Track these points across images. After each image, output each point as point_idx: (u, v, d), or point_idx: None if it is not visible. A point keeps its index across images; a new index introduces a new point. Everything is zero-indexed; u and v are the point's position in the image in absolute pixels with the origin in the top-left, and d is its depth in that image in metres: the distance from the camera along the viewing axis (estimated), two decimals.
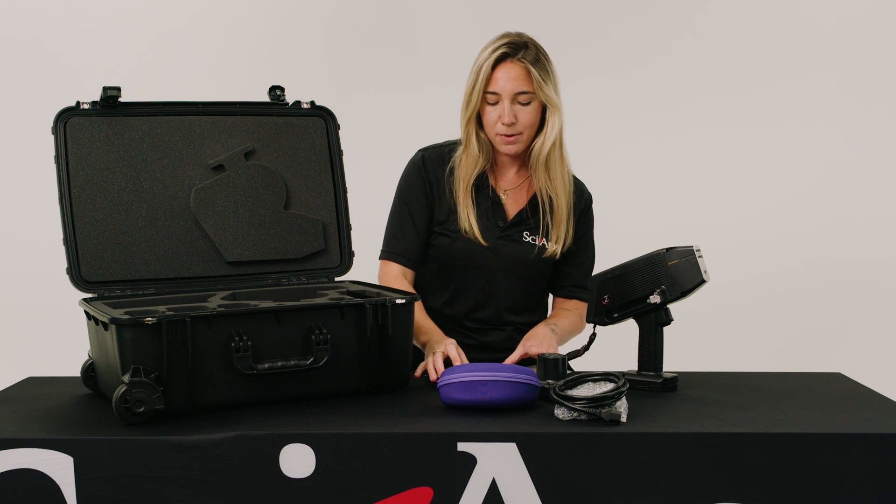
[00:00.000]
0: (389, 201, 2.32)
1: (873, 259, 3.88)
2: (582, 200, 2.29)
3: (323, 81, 3.73)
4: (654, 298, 1.92)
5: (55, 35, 3.75)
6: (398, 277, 2.24)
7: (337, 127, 2.18)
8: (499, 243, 2.22)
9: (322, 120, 2.17)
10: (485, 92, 2.14)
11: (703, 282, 1.89)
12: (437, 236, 2.25)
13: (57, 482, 1.59)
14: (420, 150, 2.30)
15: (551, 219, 2.21)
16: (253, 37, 3.87)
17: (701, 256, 1.90)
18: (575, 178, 2.28)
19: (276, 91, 2.16)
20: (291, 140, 2.14)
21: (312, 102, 2.18)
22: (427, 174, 2.25)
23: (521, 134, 2.15)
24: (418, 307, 2.19)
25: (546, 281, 2.31)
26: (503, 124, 2.13)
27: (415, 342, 2.13)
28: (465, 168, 2.21)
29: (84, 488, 1.59)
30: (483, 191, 2.24)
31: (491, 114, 2.15)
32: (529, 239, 2.23)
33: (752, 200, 3.89)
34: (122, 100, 2.00)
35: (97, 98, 1.99)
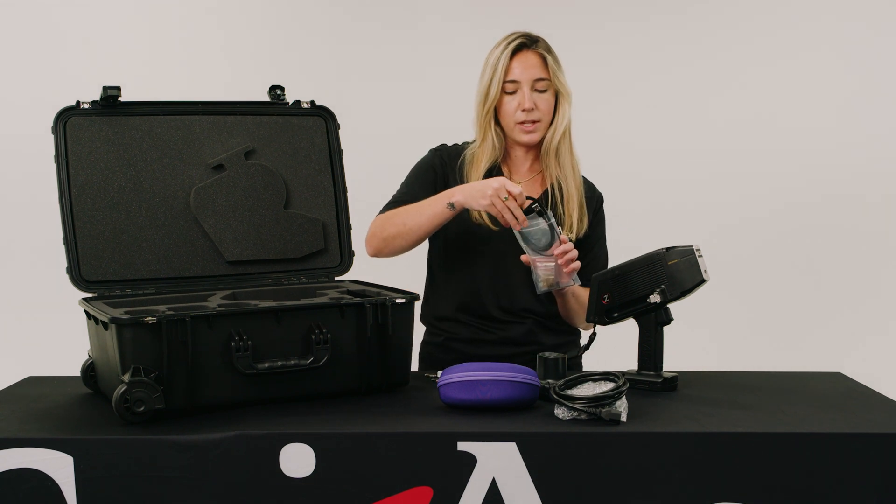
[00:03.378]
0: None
1: (874, 259, 3.88)
2: (594, 198, 2.32)
3: (323, 80, 3.73)
4: (654, 298, 1.92)
5: (55, 34, 3.75)
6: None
7: (337, 126, 2.18)
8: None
9: (322, 119, 2.17)
10: (504, 81, 2.18)
11: (703, 281, 1.89)
12: (458, 224, 2.24)
13: (57, 482, 1.59)
14: (442, 144, 2.35)
15: (563, 207, 2.25)
16: (253, 36, 3.87)
17: (701, 256, 1.90)
18: (585, 178, 2.32)
19: (276, 90, 2.16)
20: (291, 140, 2.14)
21: (312, 102, 2.18)
22: (441, 161, 2.30)
23: (539, 121, 2.21)
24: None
25: None
26: (523, 111, 2.19)
27: (420, 214, 2.13)
28: (479, 161, 2.25)
29: (84, 488, 1.59)
30: None
31: (510, 103, 2.20)
32: (538, 208, 2.23)
33: (752, 199, 3.89)
34: (122, 99, 2.00)
35: (97, 98, 1.99)
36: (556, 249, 2.05)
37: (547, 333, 2.27)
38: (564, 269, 2.06)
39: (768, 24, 3.85)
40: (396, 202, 2.27)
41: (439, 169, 2.29)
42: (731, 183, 3.88)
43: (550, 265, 2.07)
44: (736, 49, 3.87)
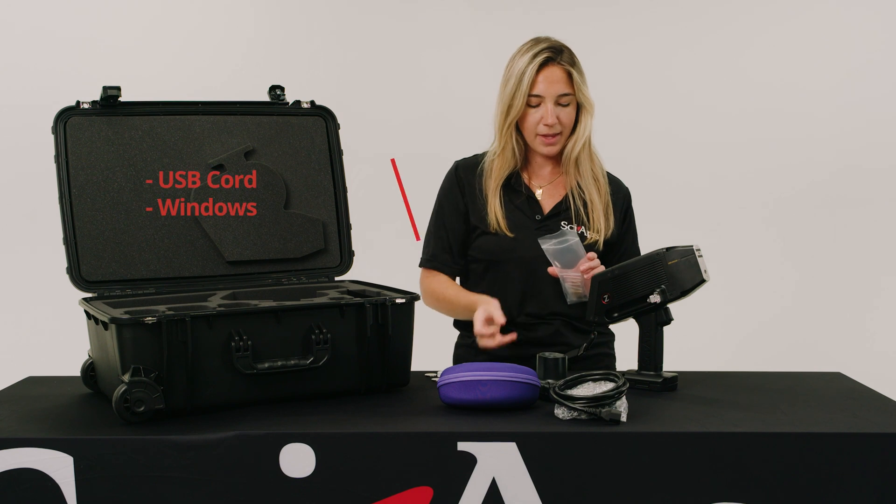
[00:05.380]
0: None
1: (874, 258, 3.88)
2: (620, 195, 2.33)
3: (323, 80, 3.73)
4: (654, 298, 1.92)
5: (55, 34, 3.75)
6: (450, 283, 2.31)
7: (337, 126, 2.18)
8: (537, 234, 2.22)
9: (322, 119, 2.17)
10: (529, 95, 2.19)
11: (703, 281, 1.89)
12: (481, 236, 2.27)
13: (57, 482, 1.59)
14: (455, 162, 2.36)
15: (586, 211, 2.26)
16: (253, 36, 3.87)
17: (701, 256, 1.90)
18: (610, 174, 2.34)
19: (276, 90, 2.16)
20: (291, 140, 2.14)
21: (312, 102, 2.18)
22: (460, 181, 2.31)
23: (560, 134, 2.23)
24: (446, 281, 2.29)
25: None
26: (545, 125, 2.20)
27: (456, 313, 2.26)
28: (498, 169, 2.27)
29: (84, 488, 1.59)
30: (516, 188, 2.28)
31: (532, 115, 2.21)
32: (567, 227, 2.25)
33: (751, 198, 3.89)
34: (122, 99, 2.00)
35: (97, 98, 1.99)
36: (582, 266, 2.11)
37: (575, 334, 2.25)
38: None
39: None
40: (444, 262, 2.30)
41: (461, 184, 2.30)
42: (729, 181, 3.88)
43: (578, 279, 2.13)
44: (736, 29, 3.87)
